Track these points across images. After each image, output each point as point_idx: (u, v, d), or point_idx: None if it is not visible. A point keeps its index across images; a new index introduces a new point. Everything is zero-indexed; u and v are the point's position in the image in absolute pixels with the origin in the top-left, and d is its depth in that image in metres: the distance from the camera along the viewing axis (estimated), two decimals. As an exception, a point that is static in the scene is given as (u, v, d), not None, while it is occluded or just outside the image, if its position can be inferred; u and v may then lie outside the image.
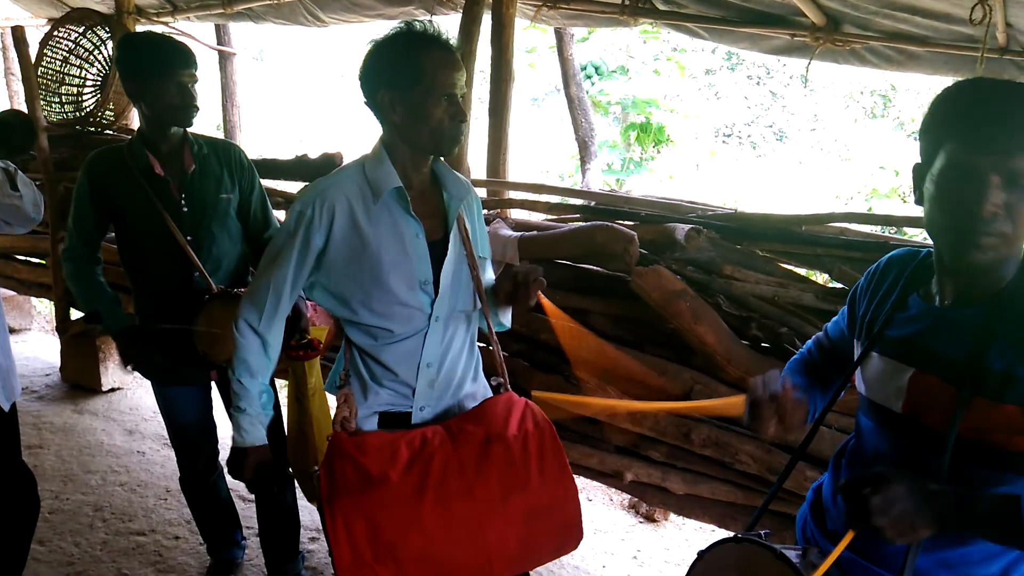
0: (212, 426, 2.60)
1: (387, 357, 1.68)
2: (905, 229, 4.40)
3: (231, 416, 1.76)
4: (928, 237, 1.17)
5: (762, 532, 1.26)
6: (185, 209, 2.28)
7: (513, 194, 3.16)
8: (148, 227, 2.28)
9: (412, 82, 1.55)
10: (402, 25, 1.60)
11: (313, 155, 3.57)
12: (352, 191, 1.62)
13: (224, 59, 5.32)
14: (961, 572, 1.13)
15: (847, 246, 2.34)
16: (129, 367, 2.41)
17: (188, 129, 2.31)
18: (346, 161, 2.56)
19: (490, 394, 1.84)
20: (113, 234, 2.39)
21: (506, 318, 1.86)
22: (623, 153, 7.55)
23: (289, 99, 14.11)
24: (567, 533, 1.64)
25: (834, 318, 1.47)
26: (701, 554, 1.31)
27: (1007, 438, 1.06)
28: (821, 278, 2.59)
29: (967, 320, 1.13)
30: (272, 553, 2.66)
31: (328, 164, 3.51)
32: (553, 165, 8.89)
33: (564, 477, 1.63)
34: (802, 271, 2.51)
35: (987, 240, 1.04)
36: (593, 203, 2.97)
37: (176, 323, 2.29)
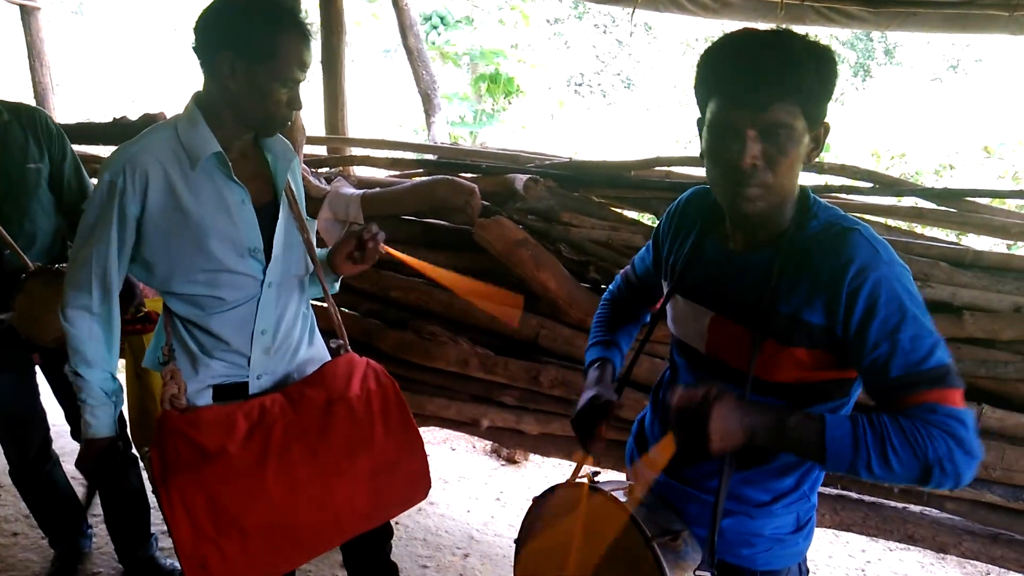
0: (40, 413, 2.42)
1: (217, 327, 1.62)
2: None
3: (62, 404, 1.64)
4: None
5: (592, 473, 1.31)
6: None
7: (354, 151, 3.10)
8: None
9: (262, 58, 1.46)
10: None
11: (133, 117, 3.33)
12: (166, 156, 1.52)
13: (27, 14, 4.78)
14: (762, 486, 1.25)
15: (671, 188, 2.48)
16: None
17: None
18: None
19: (329, 357, 1.83)
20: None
21: (337, 281, 1.84)
22: (474, 105, 7.51)
23: (116, 56, 12.93)
24: (415, 485, 1.68)
25: (640, 254, 1.52)
26: (537, 501, 1.36)
27: (796, 374, 1.15)
28: (650, 219, 2.73)
29: (755, 264, 1.18)
30: (121, 538, 2.54)
31: (147, 126, 3.29)
32: (406, 118, 8.73)
33: (409, 431, 1.66)
34: (634, 214, 2.63)
35: (751, 191, 1.08)
36: (435, 157, 2.96)
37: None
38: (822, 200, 1.20)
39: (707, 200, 1.32)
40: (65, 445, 2.62)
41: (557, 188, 2.57)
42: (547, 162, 2.71)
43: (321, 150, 3.17)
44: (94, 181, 2.47)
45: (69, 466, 2.26)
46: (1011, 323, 2.00)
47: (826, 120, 1.12)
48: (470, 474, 3.49)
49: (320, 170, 3.07)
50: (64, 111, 4.31)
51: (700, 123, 1.17)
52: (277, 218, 1.65)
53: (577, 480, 1.31)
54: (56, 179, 2.26)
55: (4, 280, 2.11)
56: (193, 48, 1.52)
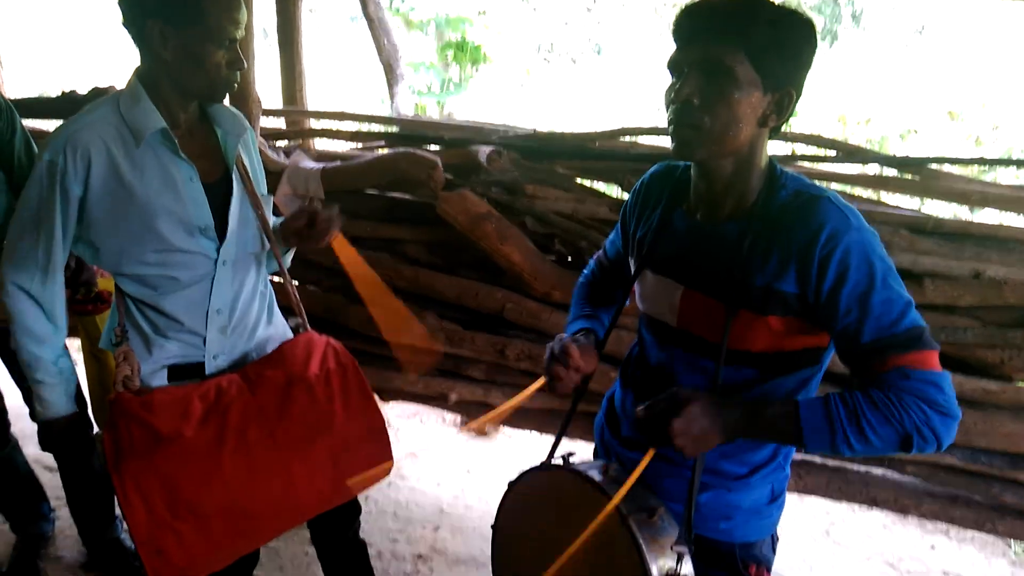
0: None
1: (170, 307, 1.57)
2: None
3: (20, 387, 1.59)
4: None
5: (567, 455, 1.29)
6: None
7: (314, 123, 3.03)
8: None
9: (190, 21, 1.39)
10: None
11: (82, 91, 3.21)
12: (108, 134, 1.46)
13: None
14: (738, 459, 1.24)
15: (637, 159, 2.46)
16: None
17: None
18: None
19: (289, 335, 1.79)
20: None
21: (290, 252, 1.80)
22: (441, 74, 7.38)
23: (64, 30, 12.46)
24: (376, 457, 1.65)
25: (610, 237, 1.50)
26: (512, 485, 1.34)
27: (769, 343, 1.16)
28: (616, 192, 2.70)
29: (725, 237, 1.17)
30: (85, 521, 2.51)
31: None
32: (370, 88, 8.55)
33: (369, 410, 1.63)
34: (600, 186, 2.61)
35: (684, 132, 1.09)
36: (398, 129, 2.91)
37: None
38: (789, 170, 1.19)
39: (673, 174, 1.32)
40: (25, 427, 2.56)
41: (521, 160, 2.54)
42: (511, 134, 2.67)
43: (279, 123, 3.09)
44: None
45: (30, 449, 2.21)
46: (969, 289, 2.02)
47: (792, 88, 1.10)
48: (438, 446, 3.49)
49: (278, 143, 2.99)
50: (12, 86, 4.15)
51: (672, 67, 1.16)
52: (230, 195, 1.60)
53: (552, 462, 1.29)
54: (6, 155, 2.17)
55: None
56: (122, 23, 1.46)
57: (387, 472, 1.65)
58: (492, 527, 1.39)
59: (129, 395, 1.52)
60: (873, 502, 2.25)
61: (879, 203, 2.30)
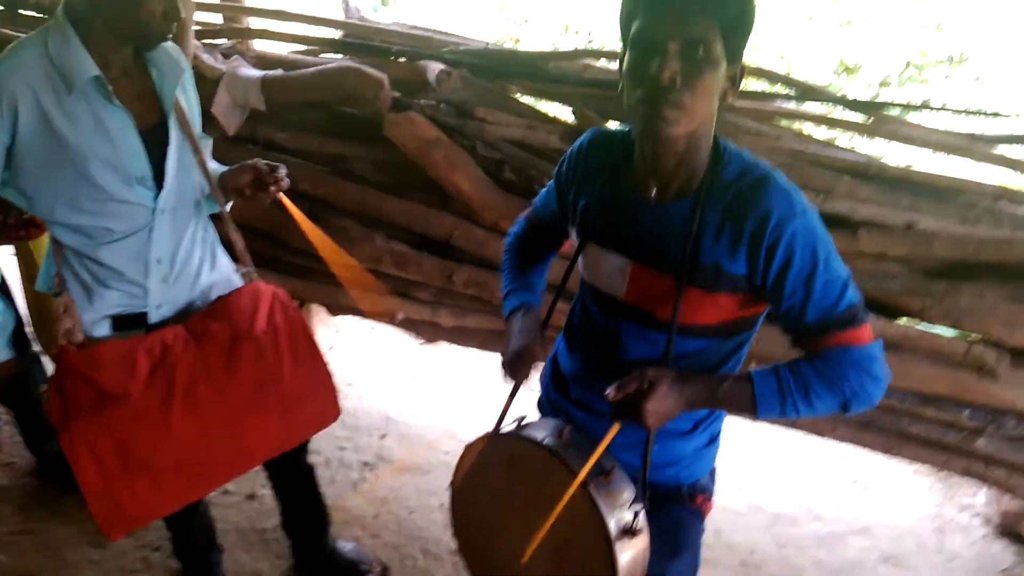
0: None
1: (108, 257, 1.54)
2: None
3: None
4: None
5: (519, 419, 1.34)
6: None
7: (253, 22, 2.83)
8: None
9: None
10: None
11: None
12: (36, 79, 1.38)
13: None
14: (683, 417, 1.30)
15: (591, 84, 2.40)
16: None
17: None
18: None
19: (235, 280, 1.78)
20: None
21: (230, 202, 1.75)
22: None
23: None
24: (325, 412, 1.71)
25: (541, 196, 1.50)
26: (469, 448, 1.37)
27: (716, 316, 1.22)
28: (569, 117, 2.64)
29: (674, 214, 1.19)
30: (29, 431, 2.53)
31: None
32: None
33: (317, 364, 1.66)
34: (551, 108, 2.55)
35: (669, 112, 1.07)
36: (343, 34, 2.75)
37: None
38: (731, 144, 1.21)
39: (612, 143, 1.31)
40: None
41: (472, 79, 2.45)
42: (462, 47, 2.55)
43: (216, 18, 2.89)
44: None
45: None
46: (901, 240, 2.09)
47: (744, 62, 1.13)
48: (386, 354, 3.56)
49: (216, 42, 2.81)
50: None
51: (622, 52, 1.14)
52: (167, 141, 1.54)
53: (507, 429, 1.33)
54: None
55: None
56: None
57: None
58: (450, 487, 1.44)
59: (73, 350, 1.51)
60: (792, 426, 2.42)
61: (827, 144, 2.32)
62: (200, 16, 2.84)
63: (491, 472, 1.34)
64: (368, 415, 3.11)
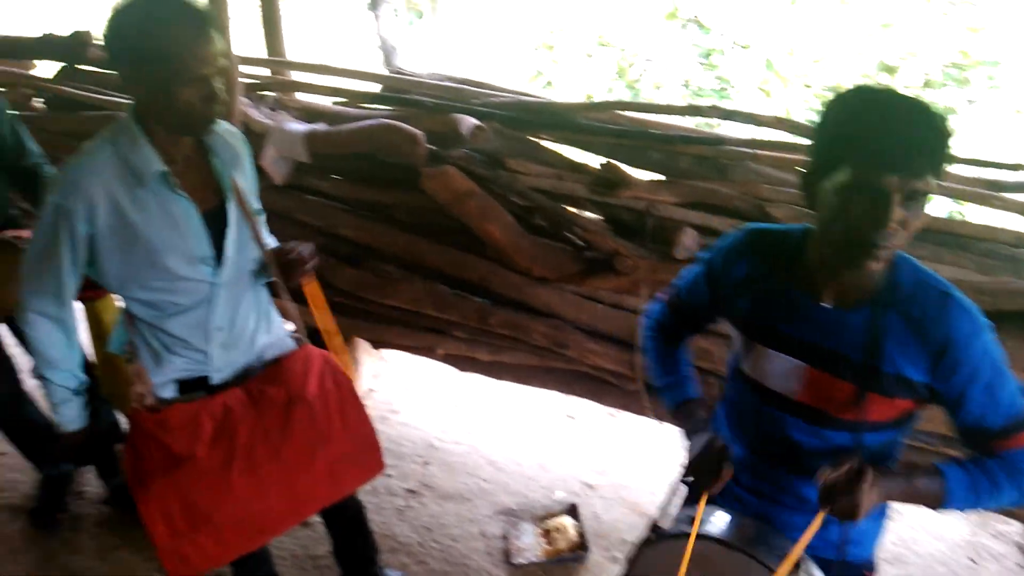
0: (7, 361, 2.51)
1: (174, 327, 1.70)
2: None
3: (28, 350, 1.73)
4: (821, 240, 1.22)
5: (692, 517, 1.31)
6: None
7: (296, 76, 3.00)
8: None
9: (156, 63, 1.43)
10: None
11: (61, 33, 3.15)
12: (111, 178, 1.53)
13: None
14: None
15: (620, 135, 2.50)
16: None
17: None
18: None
19: (288, 340, 1.92)
20: None
21: None
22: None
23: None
24: (369, 467, 1.85)
25: (686, 283, 1.50)
26: (640, 549, 1.34)
27: (891, 415, 1.28)
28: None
29: (854, 323, 1.23)
30: (100, 466, 2.73)
31: (77, 43, 3.13)
32: (358, 12, 8.02)
33: (363, 425, 1.80)
34: (577, 155, 2.65)
35: (884, 252, 1.12)
36: (380, 88, 2.90)
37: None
38: (900, 251, 1.22)
39: (776, 243, 1.34)
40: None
41: (503, 129, 2.57)
42: (493, 99, 2.67)
43: (263, 72, 3.06)
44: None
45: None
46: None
47: None
48: (429, 381, 3.70)
49: (261, 93, 2.98)
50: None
51: (813, 176, 1.18)
52: (226, 221, 1.68)
53: (677, 526, 1.33)
54: None
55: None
56: (109, 63, 1.52)
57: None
58: None
59: (145, 413, 1.67)
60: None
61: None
62: (247, 69, 3.02)
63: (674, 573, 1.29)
64: (412, 442, 3.25)
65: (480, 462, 3.17)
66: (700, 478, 1.35)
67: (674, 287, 1.55)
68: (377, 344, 3.11)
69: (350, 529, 2.23)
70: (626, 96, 6.39)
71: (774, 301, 1.31)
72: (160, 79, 1.44)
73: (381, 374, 3.69)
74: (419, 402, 3.55)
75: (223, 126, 1.69)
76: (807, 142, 2.39)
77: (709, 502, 1.34)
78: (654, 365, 1.59)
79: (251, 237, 1.75)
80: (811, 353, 1.28)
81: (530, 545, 2.63)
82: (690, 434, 1.44)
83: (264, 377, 1.78)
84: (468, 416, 3.49)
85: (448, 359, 2.95)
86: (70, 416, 1.74)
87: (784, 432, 1.35)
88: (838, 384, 1.26)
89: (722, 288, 1.40)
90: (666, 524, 1.35)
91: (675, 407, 1.52)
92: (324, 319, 1.88)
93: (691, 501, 1.39)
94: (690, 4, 7.13)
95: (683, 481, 1.41)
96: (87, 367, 2.29)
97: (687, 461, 1.37)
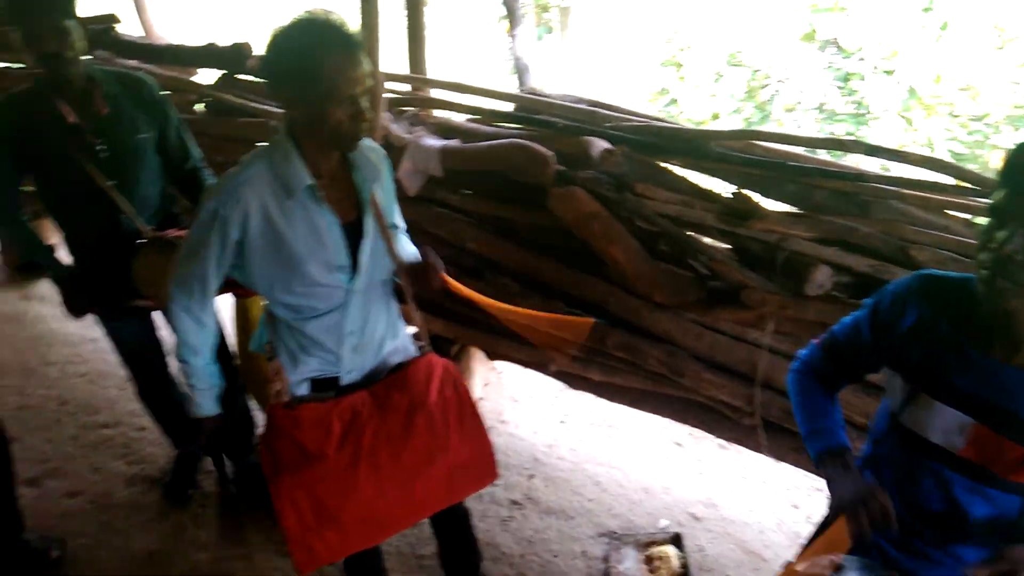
0: (159, 346, 2.74)
1: (311, 330, 1.82)
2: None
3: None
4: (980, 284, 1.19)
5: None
6: (104, 154, 2.27)
7: (434, 92, 3.12)
8: (68, 176, 2.26)
9: (311, 85, 1.55)
10: (303, 16, 1.57)
11: (222, 43, 3.41)
12: (264, 190, 1.66)
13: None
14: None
15: (752, 164, 2.45)
16: (76, 314, 2.50)
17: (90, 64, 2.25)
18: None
19: (411, 347, 2.01)
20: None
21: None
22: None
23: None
24: (484, 475, 1.91)
25: (847, 329, 1.47)
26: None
27: None
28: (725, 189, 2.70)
29: None
30: (231, 447, 2.93)
31: (236, 54, 3.37)
32: (494, 32, 8.24)
33: (479, 434, 1.87)
34: (705, 182, 2.62)
35: (1000, 283, 1.11)
36: (514, 107, 2.97)
37: (111, 266, 2.36)
38: None
39: (948, 292, 1.30)
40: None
41: (632, 153, 2.57)
42: (624, 123, 2.69)
43: (404, 88, 3.21)
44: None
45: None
46: None
47: None
48: (538, 393, 3.74)
49: (402, 109, 3.12)
50: (159, 31, 4.39)
51: (999, 218, 1.15)
52: (363, 233, 1.78)
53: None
54: (162, 145, 2.43)
55: (122, 242, 2.35)
56: (268, 83, 1.65)
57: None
58: None
59: (281, 410, 1.80)
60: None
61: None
62: (390, 84, 3.17)
63: None
64: (518, 454, 3.30)
65: (584, 481, 3.18)
66: (855, 519, 1.26)
67: (831, 332, 1.51)
68: (492, 355, 3.18)
69: (457, 533, 2.29)
70: (755, 118, 6.23)
71: (947, 352, 1.27)
72: (313, 99, 1.56)
73: (492, 383, 3.77)
74: (527, 414, 3.60)
75: (366, 143, 1.80)
76: (953, 181, 2.31)
77: (851, 551, 1.29)
78: (802, 410, 1.51)
79: (385, 249, 1.84)
80: (980, 410, 1.24)
81: (631, 571, 2.61)
82: (838, 479, 1.36)
83: (389, 382, 1.88)
84: (574, 433, 3.51)
85: (560, 375, 2.97)
86: (207, 402, 1.88)
87: (945, 488, 1.31)
88: (1007, 444, 1.22)
89: (890, 335, 1.35)
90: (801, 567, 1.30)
91: (823, 452, 1.43)
92: (474, 297, 2.00)
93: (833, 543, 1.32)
94: (829, 26, 6.90)
95: (828, 520, 1.37)
96: (229, 356, 2.49)
97: (838, 502, 1.32)
